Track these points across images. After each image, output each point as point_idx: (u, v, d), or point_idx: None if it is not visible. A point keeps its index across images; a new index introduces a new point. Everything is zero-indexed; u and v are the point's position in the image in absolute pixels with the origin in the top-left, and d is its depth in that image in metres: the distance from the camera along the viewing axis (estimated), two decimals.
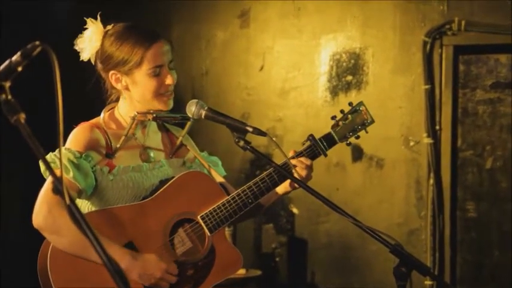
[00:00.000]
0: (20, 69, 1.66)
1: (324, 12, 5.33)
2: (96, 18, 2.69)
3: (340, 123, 2.81)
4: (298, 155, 2.76)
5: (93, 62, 2.72)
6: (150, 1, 5.61)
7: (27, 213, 2.50)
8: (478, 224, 5.16)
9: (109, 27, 2.69)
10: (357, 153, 5.25)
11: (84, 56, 2.70)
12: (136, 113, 2.65)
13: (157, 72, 2.62)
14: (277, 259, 5.53)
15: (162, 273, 2.51)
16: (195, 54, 5.57)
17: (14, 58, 1.66)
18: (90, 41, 2.68)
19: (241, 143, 2.52)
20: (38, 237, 2.54)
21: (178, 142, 2.83)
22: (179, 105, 2.74)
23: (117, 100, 2.74)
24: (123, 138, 2.65)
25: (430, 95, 5.08)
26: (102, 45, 2.66)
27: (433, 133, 5.08)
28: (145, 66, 2.60)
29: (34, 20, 5.39)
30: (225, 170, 3.00)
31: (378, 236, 2.30)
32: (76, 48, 2.70)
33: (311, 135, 2.79)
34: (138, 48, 2.60)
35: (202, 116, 2.58)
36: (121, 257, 2.45)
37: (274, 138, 2.55)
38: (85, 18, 2.69)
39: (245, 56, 5.53)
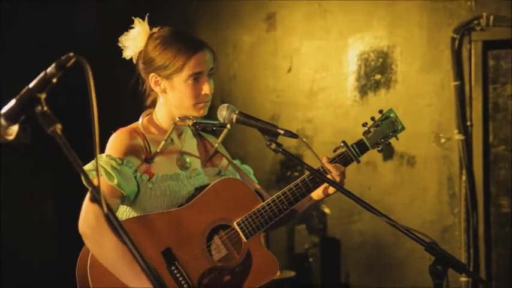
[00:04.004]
0: (54, 80, 1.68)
1: (350, 13, 5.32)
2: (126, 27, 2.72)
3: (372, 130, 2.82)
4: (331, 161, 2.76)
5: (134, 62, 2.74)
6: (175, 8, 5.64)
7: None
8: None
9: (155, 29, 2.72)
10: (388, 152, 5.23)
11: (127, 54, 2.72)
12: (177, 118, 2.68)
13: (195, 78, 2.64)
14: (310, 259, 5.53)
15: None
16: (223, 59, 5.58)
17: (48, 70, 1.68)
18: (135, 40, 2.70)
19: (273, 145, 2.52)
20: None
21: (213, 149, 2.84)
22: (209, 110, 2.75)
23: (154, 106, 2.77)
24: (163, 143, 2.67)
25: (460, 91, 5.05)
26: (146, 46, 2.69)
27: (464, 129, 5.05)
28: (185, 72, 2.62)
29: (65, 29, 5.47)
30: (255, 172, 3.01)
31: (413, 235, 2.30)
32: (120, 45, 2.72)
33: (343, 141, 2.79)
34: (181, 56, 2.62)
35: (234, 120, 2.59)
36: None
37: (304, 139, 2.55)
38: (133, 18, 2.71)
39: (272, 59, 5.54)
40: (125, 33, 2.72)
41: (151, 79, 2.69)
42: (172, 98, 2.68)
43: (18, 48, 5.17)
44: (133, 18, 2.72)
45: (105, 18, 5.53)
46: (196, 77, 2.64)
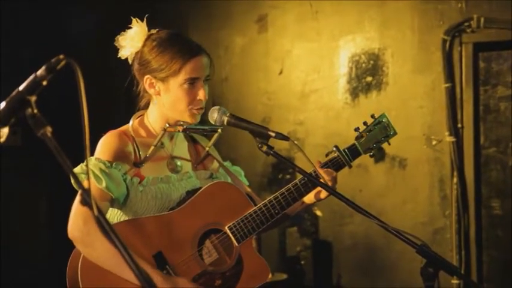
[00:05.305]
0: (45, 83, 1.67)
1: (341, 14, 5.33)
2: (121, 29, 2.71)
3: (364, 135, 2.83)
4: (323, 166, 2.76)
5: (130, 62, 2.72)
6: (166, 10, 5.63)
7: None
8: (503, 221, 5.12)
9: (153, 31, 2.70)
10: (379, 154, 5.24)
11: (123, 54, 2.71)
12: (167, 125, 2.66)
13: (191, 83, 2.63)
14: (302, 262, 5.53)
15: None
16: (214, 61, 5.44)
17: (38, 72, 1.68)
18: (132, 40, 2.68)
19: (264, 148, 2.51)
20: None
21: (204, 152, 2.83)
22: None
23: (146, 107, 2.76)
24: (152, 148, 2.66)
25: (451, 93, 5.05)
26: (142, 47, 2.67)
27: (455, 131, 5.05)
28: (181, 76, 2.61)
29: (65, 29, 5.47)
30: (247, 174, 3.00)
31: (404, 237, 2.29)
32: (116, 44, 2.70)
33: (336, 146, 2.79)
34: (178, 59, 2.60)
35: (225, 123, 2.58)
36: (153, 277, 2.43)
37: (295, 142, 2.55)
38: (131, 18, 2.70)
39: (264, 61, 5.54)
40: (122, 33, 2.70)
41: (146, 81, 2.67)
42: (166, 101, 2.66)
43: (18, 48, 5.17)
44: (131, 18, 2.70)
45: (103, 19, 5.52)
46: (192, 82, 2.62)
